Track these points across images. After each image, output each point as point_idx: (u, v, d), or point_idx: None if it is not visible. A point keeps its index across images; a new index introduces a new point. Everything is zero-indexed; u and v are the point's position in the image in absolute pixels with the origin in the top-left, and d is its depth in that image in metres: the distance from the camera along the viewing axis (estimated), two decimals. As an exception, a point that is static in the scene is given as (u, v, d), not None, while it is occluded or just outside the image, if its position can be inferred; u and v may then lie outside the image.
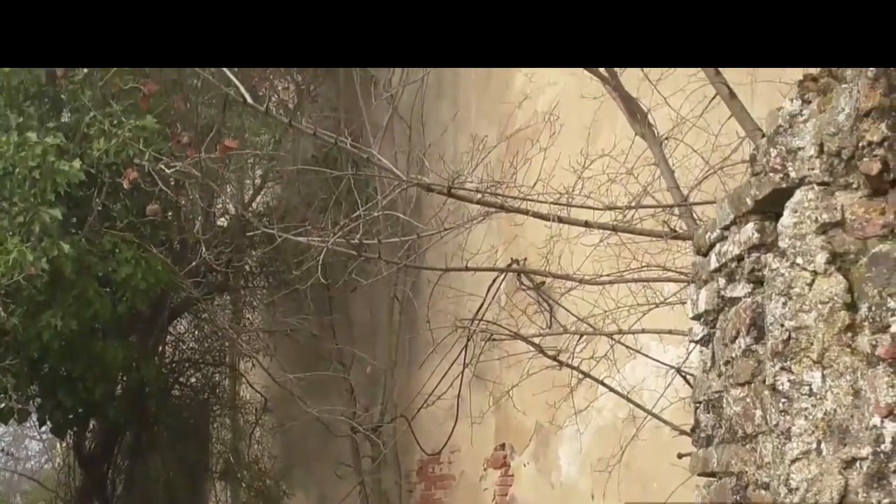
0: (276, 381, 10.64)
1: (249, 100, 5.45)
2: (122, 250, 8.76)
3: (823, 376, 2.35)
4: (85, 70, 8.70)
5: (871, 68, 2.31)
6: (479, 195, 5.58)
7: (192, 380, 12.69)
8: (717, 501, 2.83)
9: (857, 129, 2.32)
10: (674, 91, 5.43)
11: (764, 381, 2.54)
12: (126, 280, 8.73)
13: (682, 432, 4.99)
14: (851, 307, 2.32)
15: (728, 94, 4.76)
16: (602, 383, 5.88)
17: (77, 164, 8.08)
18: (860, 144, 2.32)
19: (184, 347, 12.55)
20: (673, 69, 5.34)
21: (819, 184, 2.43)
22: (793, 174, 2.50)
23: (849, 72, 2.40)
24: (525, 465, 8.09)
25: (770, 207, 2.58)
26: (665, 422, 5.45)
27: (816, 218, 2.42)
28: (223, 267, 9.50)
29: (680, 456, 4.46)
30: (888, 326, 2.24)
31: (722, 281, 2.83)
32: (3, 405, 9.10)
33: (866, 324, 2.29)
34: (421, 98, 9.28)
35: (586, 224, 5.18)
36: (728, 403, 2.79)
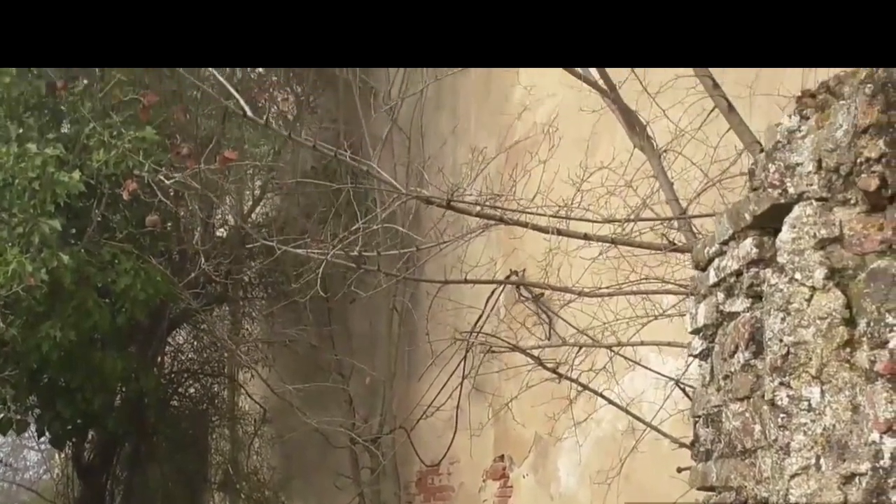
0: (276, 391, 10.63)
1: (249, 112, 5.46)
2: (121, 261, 8.77)
3: (822, 392, 2.36)
4: (85, 81, 8.72)
5: (869, 85, 2.32)
6: (479, 208, 5.59)
7: (191, 390, 12.68)
8: (717, 516, 2.84)
9: (855, 145, 2.33)
10: (673, 104, 5.44)
11: (763, 396, 2.55)
12: (125, 291, 8.74)
13: (682, 445, 4.99)
14: (850, 323, 2.33)
15: (727, 107, 4.77)
16: (601, 395, 5.88)
17: (77, 175, 8.09)
18: (858, 161, 2.33)
19: (183, 358, 12.54)
20: (672, 82, 5.35)
21: (817, 199, 2.44)
22: (791, 190, 2.51)
23: (846, 88, 2.41)
24: (524, 477, 8.08)
25: (769, 223, 2.60)
26: (664, 434, 5.45)
27: (815, 233, 2.43)
28: (222, 278, 9.50)
29: (679, 470, 4.46)
30: (887, 342, 2.25)
31: (721, 295, 2.84)
32: (1, 416, 9.09)
33: (865, 339, 2.29)
34: (420, 109, 9.29)
35: (585, 237, 5.18)
36: (727, 418, 2.80)
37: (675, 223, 5.05)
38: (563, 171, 6.14)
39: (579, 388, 6.00)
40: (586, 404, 6.56)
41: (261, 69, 10.81)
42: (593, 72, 5.41)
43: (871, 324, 2.28)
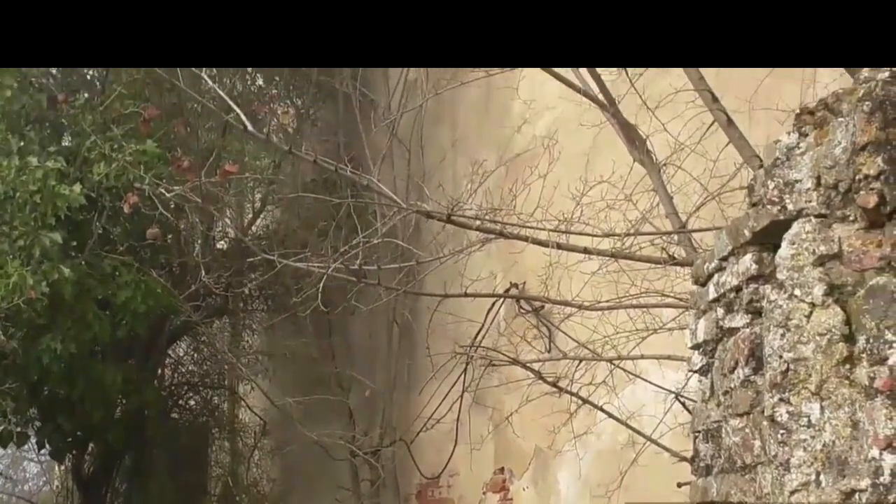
0: (276, 404, 10.63)
1: (250, 127, 5.47)
2: (121, 274, 8.78)
3: (822, 408, 2.37)
4: (86, 95, 8.75)
5: (867, 102, 2.33)
6: (478, 222, 5.60)
7: (191, 403, 12.68)
8: (717, 531, 2.84)
9: (854, 162, 2.34)
10: (672, 117, 5.45)
11: (763, 412, 2.55)
12: (126, 303, 8.75)
13: (682, 458, 5.00)
14: (849, 339, 2.34)
15: (726, 121, 4.79)
16: (601, 409, 5.88)
17: (77, 188, 8.11)
18: (857, 177, 2.34)
19: (183, 370, 12.55)
20: (671, 96, 5.37)
21: (816, 216, 2.45)
22: (790, 206, 2.52)
23: (844, 106, 2.42)
24: (524, 490, 8.07)
25: (768, 239, 2.61)
26: (664, 448, 5.45)
27: (814, 250, 2.44)
28: (222, 290, 9.51)
29: (680, 485, 4.46)
30: (886, 359, 2.25)
31: (720, 311, 2.85)
32: (1, 428, 9.09)
33: (864, 356, 2.30)
34: (420, 123, 9.31)
35: (585, 250, 5.19)
36: (727, 433, 2.80)
37: (675, 237, 5.06)
38: (562, 185, 6.15)
39: (579, 402, 6.01)
40: (586, 417, 6.56)
41: (261, 81, 10.84)
42: (593, 85, 5.43)
43: (871, 340, 2.29)
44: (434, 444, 8.81)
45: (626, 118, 5.37)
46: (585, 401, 5.89)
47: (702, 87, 4.88)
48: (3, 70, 8.33)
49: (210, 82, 6.70)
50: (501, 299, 7.46)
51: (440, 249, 6.52)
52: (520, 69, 6.15)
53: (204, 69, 5.88)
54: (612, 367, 5.83)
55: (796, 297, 2.45)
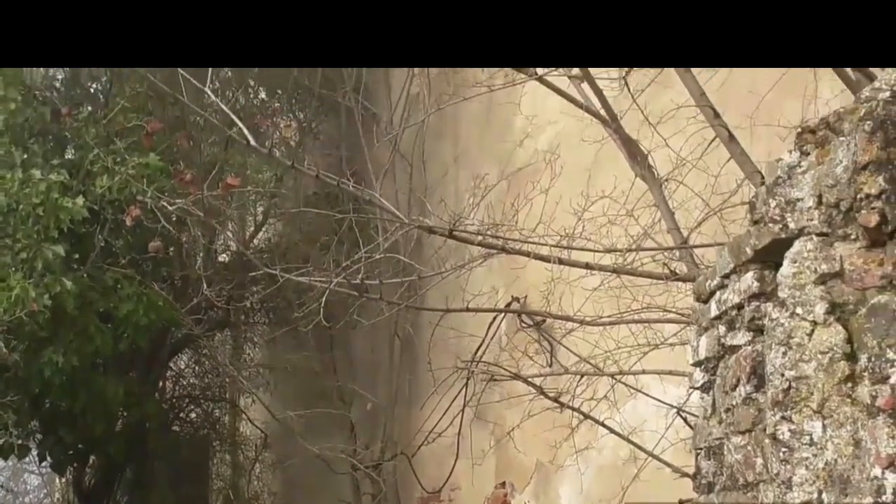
0: (277, 417, 10.63)
1: (253, 142, 5.48)
2: (123, 287, 8.80)
3: (824, 426, 2.37)
4: (89, 108, 8.78)
5: (868, 122, 2.34)
6: (480, 237, 5.60)
7: (193, 416, 12.68)
8: (719, 549, 2.84)
9: (855, 181, 2.35)
10: (674, 133, 5.46)
11: (764, 430, 2.56)
12: (127, 316, 8.76)
13: (684, 474, 5.00)
14: (851, 357, 2.34)
15: (727, 137, 4.80)
16: (603, 424, 5.88)
17: (80, 200, 8.13)
18: (858, 197, 2.35)
19: (184, 383, 12.55)
20: (673, 111, 5.38)
21: (818, 234, 2.46)
22: (792, 225, 2.53)
23: (846, 125, 2.43)
24: (526, 504, 8.07)
25: (769, 257, 2.61)
26: (666, 463, 5.45)
27: (816, 268, 2.44)
28: (224, 303, 9.52)
29: (681, 502, 4.46)
30: (888, 377, 2.26)
31: (722, 328, 2.85)
32: (3, 441, 9.09)
33: (866, 374, 2.31)
34: (422, 137, 9.33)
35: (587, 266, 5.20)
36: (729, 451, 2.81)
37: (677, 252, 5.06)
38: (564, 200, 6.16)
39: (581, 417, 6.00)
40: (588, 432, 6.56)
41: (263, 95, 10.87)
42: (595, 101, 5.44)
43: (872, 359, 2.29)
44: (435, 458, 8.80)
45: (628, 133, 5.38)
46: (587, 416, 5.89)
47: (703, 102, 4.89)
48: (7, 83, 8.36)
49: (213, 96, 6.71)
50: (503, 314, 7.46)
51: (442, 264, 6.52)
52: (522, 84, 6.15)
53: (207, 83, 5.88)
54: (614, 381, 5.83)
55: (798, 315, 2.45)
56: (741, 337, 2.74)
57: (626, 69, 5.44)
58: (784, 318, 2.49)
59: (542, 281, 6.42)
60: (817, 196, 2.47)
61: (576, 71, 5.40)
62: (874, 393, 2.27)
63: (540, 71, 5.42)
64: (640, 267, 5.19)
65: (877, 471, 2.22)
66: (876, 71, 4.10)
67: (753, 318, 2.67)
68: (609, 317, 5.56)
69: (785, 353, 2.47)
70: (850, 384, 2.33)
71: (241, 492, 12.43)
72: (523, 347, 7.16)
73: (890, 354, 2.26)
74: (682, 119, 5.34)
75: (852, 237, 2.40)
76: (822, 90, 4.81)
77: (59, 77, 9.89)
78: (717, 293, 2.89)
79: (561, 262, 5.27)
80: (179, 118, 9.30)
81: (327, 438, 9.75)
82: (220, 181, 7.40)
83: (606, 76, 5.46)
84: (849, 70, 4.32)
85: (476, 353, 7.34)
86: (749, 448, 2.68)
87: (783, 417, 2.45)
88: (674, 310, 5.25)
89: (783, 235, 2.54)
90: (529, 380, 6.21)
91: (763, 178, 4.01)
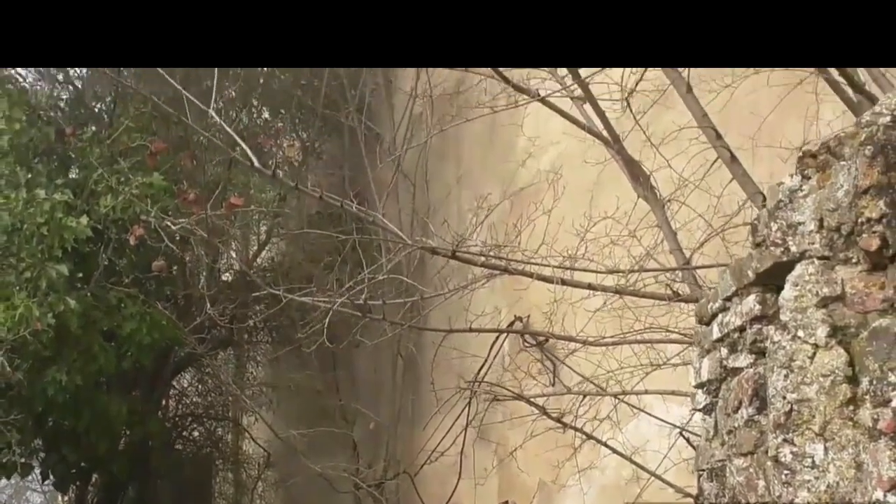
0: (280, 436, 10.63)
1: (256, 163, 5.50)
2: (127, 305, 8.82)
3: (826, 449, 2.38)
4: (93, 128, 8.81)
5: (869, 146, 2.36)
6: (483, 258, 5.62)
7: (195, 434, 12.69)
8: (722, 571, 2.85)
9: (856, 205, 2.36)
10: (676, 153, 5.48)
11: (766, 453, 2.56)
12: (131, 335, 8.79)
13: (687, 495, 5.00)
14: (853, 380, 2.35)
15: (729, 158, 4.81)
16: (605, 444, 5.88)
17: (84, 220, 8.16)
18: (859, 220, 2.36)
19: (187, 402, 12.57)
20: (675, 132, 5.41)
21: (819, 258, 2.47)
22: (793, 248, 2.54)
23: (847, 149, 2.45)
24: (528, 523, 8.05)
25: (771, 280, 2.62)
26: (669, 483, 5.44)
27: (817, 291, 2.45)
28: (227, 322, 9.53)
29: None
30: (889, 400, 2.26)
31: (724, 351, 2.86)
32: (6, 459, 9.09)
33: (867, 397, 2.31)
34: (425, 157, 9.36)
35: (590, 286, 5.20)
36: (731, 473, 2.81)
37: (679, 273, 5.07)
38: (567, 221, 6.18)
39: (584, 437, 6.01)
40: (591, 452, 6.55)
41: (267, 115, 10.91)
42: (597, 121, 5.46)
43: (874, 382, 2.30)
44: (438, 478, 8.79)
45: (631, 154, 5.40)
46: (589, 436, 5.89)
47: (705, 123, 4.91)
48: (12, 103, 8.41)
49: (216, 116, 6.75)
50: (505, 334, 7.47)
51: (445, 284, 6.53)
52: (524, 105, 6.17)
53: (211, 103, 5.90)
54: (617, 401, 5.83)
55: (800, 338, 2.47)
56: (743, 359, 2.75)
57: (629, 90, 5.46)
58: (786, 341, 2.50)
59: (544, 301, 6.43)
60: (818, 220, 2.48)
61: (578, 92, 5.43)
62: (876, 416, 2.28)
63: (542, 92, 5.45)
64: (643, 287, 5.20)
65: (878, 494, 2.23)
66: (877, 93, 4.12)
67: (755, 340, 2.68)
68: (612, 337, 5.57)
69: (787, 376, 2.48)
70: (851, 407, 2.34)
71: (244, 510, 12.44)
72: (526, 367, 7.16)
73: (892, 378, 2.27)
74: (684, 140, 5.35)
75: (853, 261, 2.41)
76: (823, 111, 4.83)
77: (64, 97, 9.95)
78: (719, 316, 2.90)
79: (563, 282, 5.27)
80: (183, 138, 9.35)
81: (330, 457, 9.75)
82: (224, 201, 7.42)
83: (609, 97, 5.49)
84: (850, 92, 4.35)
85: (479, 373, 7.34)
86: (751, 470, 2.68)
87: (785, 440, 2.46)
88: (676, 330, 5.26)
89: (785, 259, 2.55)
90: (532, 400, 6.21)
91: (765, 199, 4.03)
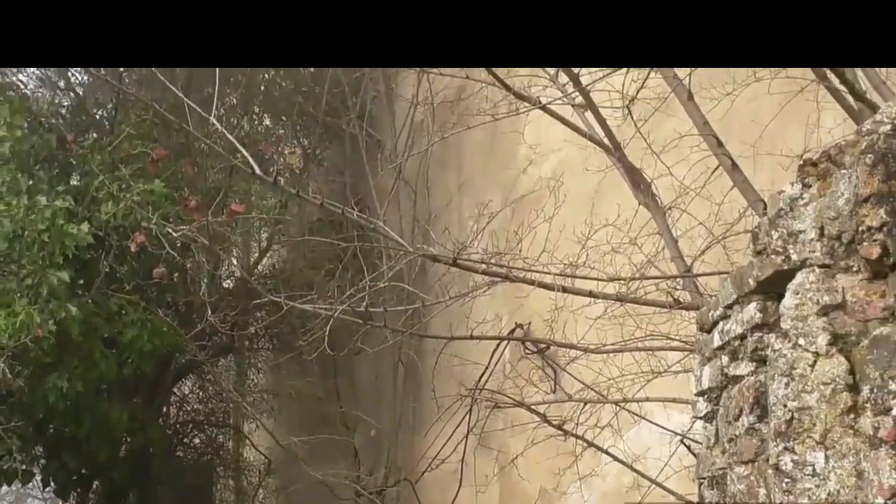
0: (280, 443, 10.63)
1: (258, 170, 5.51)
2: (128, 312, 8.82)
3: (826, 457, 2.38)
4: (95, 135, 8.82)
5: (870, 155, 2.36)
6: (484, 266, 5.62)
7: (196, 441, 12.68)
8: (723, 579, 2.84)
9: (857, 213, 2.37)
10: (677, 161, 5.49)
11: (767, 461, 2.56)
12: (132, 342, 8.79)
13: (688, 502, 5.00)
14: (853, 389, 2.35)
15: (730, 166, 4.82)
16: (606, 452, 5.87)
17: (85, 227, 8.16)
18: (860, 229, 2.37)
19: (188, 409, 12.56)
20: (676, 140, 5.41)
21: (820, 266, 2.47)
22: (794, 256, 2.54)
23: (847, 158, 2.45)
24: (529, 531, 8.04)
25: (772, 288, 2.62)
26: (669, 491, 5.44)
27: (818, 300, 2.46)
28: (228, 329, 9.54)
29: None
30: (890, 409, 2.26)
31: (725, 359, 2.86)
32: (7, 466, 9.09)
33: (868, 405, 2.31)
34: (426, 165, 9.36)
35: (591, 294, 5.20)
36: (732, 480, 2.81)
37: (680, 281, 5.07)
38: (568, 228, 6.18)
39: (585, 444, 6.00)
40: (591, 459, 6.55)
41: (268, 122, 10.92)
42: (598, 129, 5.47)
43: (875, 390, 2.30)
44: (439, 485, 8.79)
45: (632, 162, 5.40)
46: (590, 443, 5.89)
47: (706, 131, 4.91)
48: (13, 110, 8.41)
49: (217, 124, 6.76)
50: (506, 341, 7.47)
51: (446, 291, 6.54)
52: (525, 113, 6.18)
53: (212, 111, 5.91)
54: (618, 409, 5.83)
55: (800, 346, 2.46)
56: (744, 367, 2.75)
57: (630, 97, 5.47)
58: (786, 349, 2.50)
59: (545, 309, 6.42)
60: (819, 228, 2.48)
61: (579, 99, 5.43)
62: (876, 424, 2.28)
63: (543, 100, 5.45)
64: (644, 295, 5.20)
65: (879, 502, 2.23)
66: (878, 101, 4.13)
67: (756, 348, 2.68)
68: (613, 344, 5.57)
69: (787, 384, 2.48)
70: (852, 415, 2.34)
71: (245, 517, 12.43)
72: (527, 375, 7.16)
73: (892, 386, 2.27)
74: (685, 148, 5.36)
75: (854, 269, 2.41)
76: (824, 119, 4.83)
77: (66, 104, 9.96)
78: (720, 324, 2.90)
79: (565, 290, 5.27)
80: (184, 145, 9.35)
81: (331, 464, 9.75)
82: (225, 208, 7.44)
83: (610, 105, 5.49)
84: (851, 99, 4.35)
85: (479, 380, 7.34)
86: (752, 478, 2.68)
87: (786, 448, 2.46)
88: (677, 337, 5.26)
89: (785, 267, 2.55)
90: (533, 407, 6.21)
91: (766, 207, 4.03)
